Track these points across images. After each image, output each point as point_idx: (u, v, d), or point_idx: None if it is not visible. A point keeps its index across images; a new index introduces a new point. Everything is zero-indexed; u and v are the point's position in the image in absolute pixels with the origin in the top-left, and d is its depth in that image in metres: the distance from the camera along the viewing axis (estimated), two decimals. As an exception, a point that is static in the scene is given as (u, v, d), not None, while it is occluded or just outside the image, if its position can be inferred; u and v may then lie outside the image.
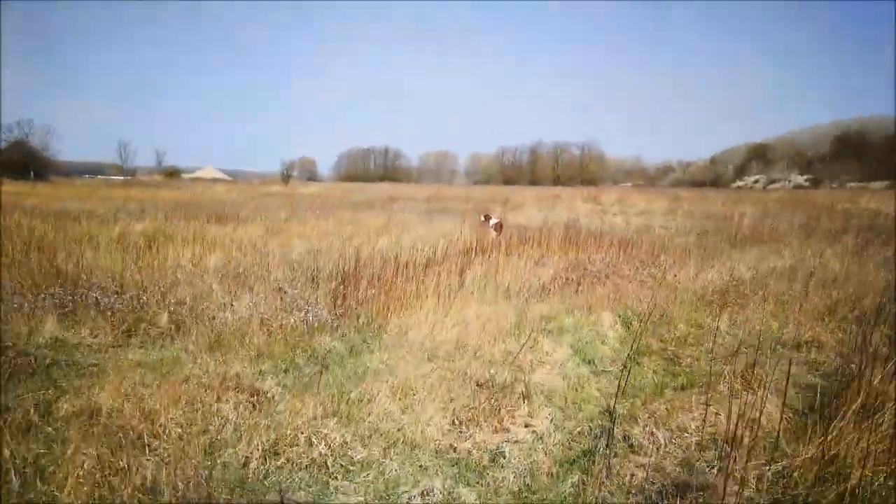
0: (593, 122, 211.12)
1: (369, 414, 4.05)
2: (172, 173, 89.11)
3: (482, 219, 14.65)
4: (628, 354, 4.95)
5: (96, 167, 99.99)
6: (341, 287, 6.75)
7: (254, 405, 4.08)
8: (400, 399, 4.24)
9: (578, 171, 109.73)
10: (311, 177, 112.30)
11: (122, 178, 78.43)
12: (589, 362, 5.41)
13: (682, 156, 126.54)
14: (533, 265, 8.64)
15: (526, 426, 4.03)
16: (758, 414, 3.41)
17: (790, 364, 3.71)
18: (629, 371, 4.76)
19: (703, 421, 3.91)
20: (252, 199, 30.57)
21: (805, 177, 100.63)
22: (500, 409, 4.13)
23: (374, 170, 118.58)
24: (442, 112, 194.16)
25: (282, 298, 6.48)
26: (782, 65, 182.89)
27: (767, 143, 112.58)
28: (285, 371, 4.96)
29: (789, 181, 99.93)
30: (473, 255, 9.90)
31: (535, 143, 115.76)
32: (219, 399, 4.06)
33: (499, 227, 13.96)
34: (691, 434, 3.93)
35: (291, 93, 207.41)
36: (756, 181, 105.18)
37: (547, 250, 9.57)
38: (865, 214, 19.74)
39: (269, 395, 4.24)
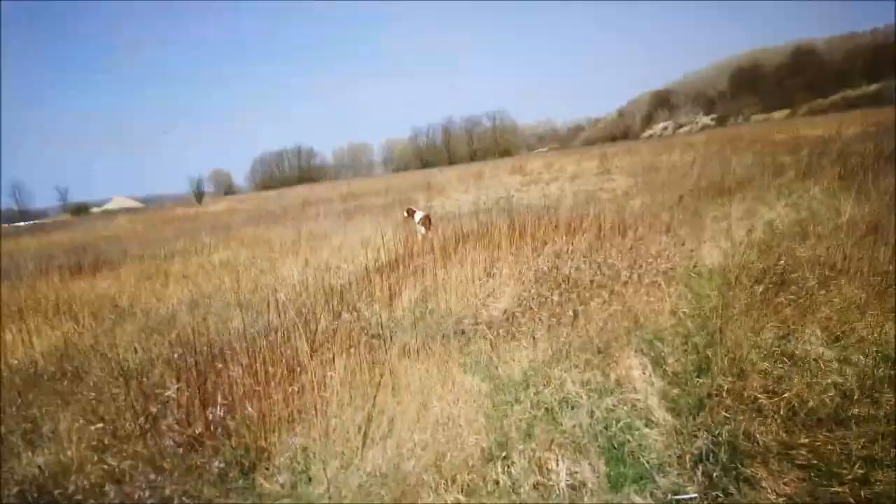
0: (499, 92, 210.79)
1: None
2: (80, 210, 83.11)
3: (405, 214, 12.48)
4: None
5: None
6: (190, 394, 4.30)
7: None
8: None
9: (493, 144, 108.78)
10: (228, 190, 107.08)
11: (24, 223, 71.95)
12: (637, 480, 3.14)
13: (589, 113, 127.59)
14: (483, 276, 6.50)
15: None
16: None
17: None
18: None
19: None
20: (152, 229, 27.28)
21: (710, 116, 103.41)
22: None
23: (289, 173, 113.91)
24: (349, 103, 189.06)
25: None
26: (671, 6, 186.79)
27: (669, 88, 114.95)
28: None
29: (697, 123, 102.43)
30: (402, 269, 7.74)
31: (446, 121, 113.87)
32: None
33: (426, 221, 11.82)
34: None
35: (195, 105, 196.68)
36: (665, 128, 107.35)
37: (495, 249, 7.47)
38: (807, 142, 18.62)
39: None
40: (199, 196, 69.76)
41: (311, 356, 4.39)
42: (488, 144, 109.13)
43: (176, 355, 4.20)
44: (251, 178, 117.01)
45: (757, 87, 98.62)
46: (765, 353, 4.04)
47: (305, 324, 5.02)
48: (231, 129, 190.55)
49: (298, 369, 4.11)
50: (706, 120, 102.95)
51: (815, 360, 3.92)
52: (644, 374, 3.99)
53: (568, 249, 6.47)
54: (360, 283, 7.47)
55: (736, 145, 22.77)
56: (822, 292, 4.64)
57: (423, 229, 11.62)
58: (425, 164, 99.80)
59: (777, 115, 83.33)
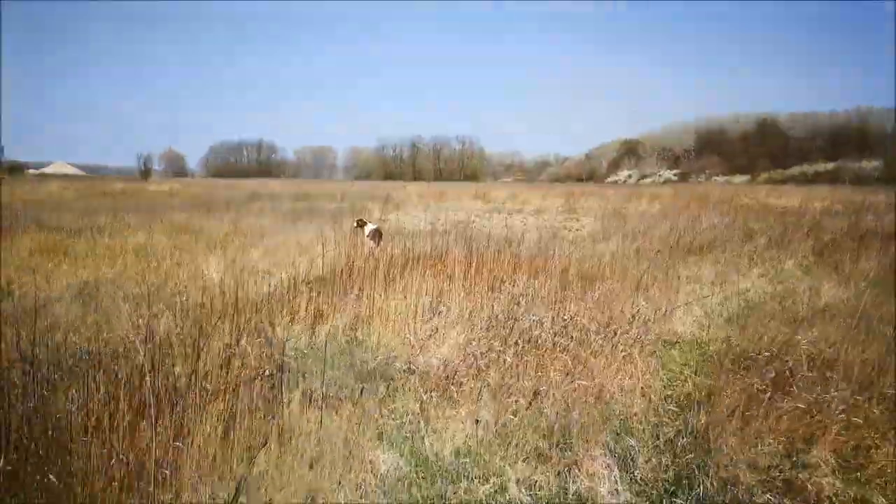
0: (471, 119, 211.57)
1: None
2: (14, 168, 78.69)
3: (355, 225, 11.40)
4: None
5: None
6: None
7: None
8: None
9: (459, 167, 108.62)
10: (179, 172, 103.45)
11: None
12: None
13: (557, 150, 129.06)
14: (427, 310, 5.49)
15: None
16: None
17: None
18: None
19: None
20: (81, 199, 25.33)
21: (673, 171, 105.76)
22: None
23: (247, 164, 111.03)
24: (319, 106, 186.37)
25: None
26: (649, 63, 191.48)
27: (638, 139, 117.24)
28: None
29: (660, 176, 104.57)
30: (337, 286, 6.68)
31: (415, 137, 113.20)
32: None
33: (376, 235, 10.78)
34: None
35: (165, 83, 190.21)
36: (629, 176, 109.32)
37: (447, 280, 6.49)
38: (773, 211, 18.36)
39: None
40: (144, 173, 66.76)
41: (185, 392, 3.30)
42: (454, 167, 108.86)
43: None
44: (205, 164, 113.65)
45: (721, 149, 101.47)
46: (765, 479, 3.14)
47: (193, 346, 3.93)
48: (191, 111, 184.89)
49: (153, 415, 2.99)
50: (669, 174, 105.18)
51: (829, 498, 3.04)
52: (609, 478, 3.03)
53: (529, 294, 5.51)
54: (284, 295, 6.37)
55: (702, 203, 22.50)
56: (828, 399, 3.77)
57: (371, 243, 10.58)
58: (388, 176, 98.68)
59: (737, 178, 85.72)
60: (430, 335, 4.84)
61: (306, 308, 5.92)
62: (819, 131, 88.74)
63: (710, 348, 5.38)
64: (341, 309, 5.93)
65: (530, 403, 3.51)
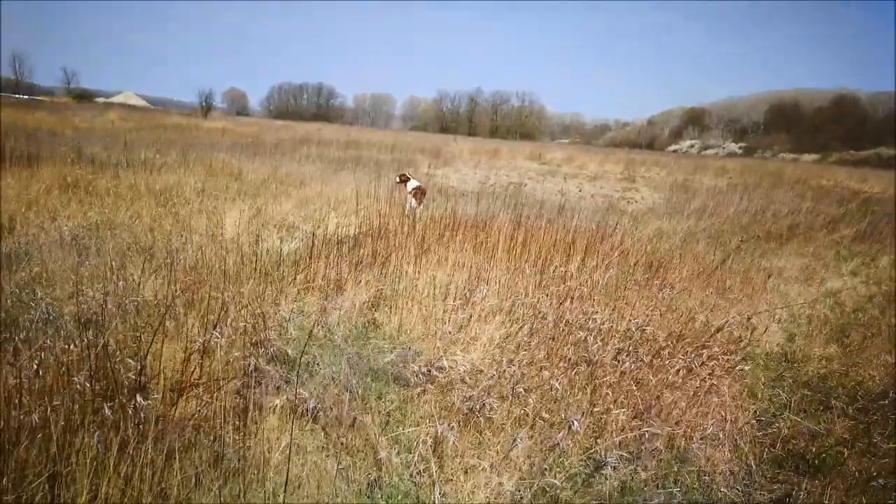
0: (533, 75, 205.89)
1: None
2: (82, 96, 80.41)
3: (397, 180, 10.55)
4: None
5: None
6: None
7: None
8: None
9: (517, 124, 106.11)
10: (241, 111, 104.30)
11: (21, 96, 69.47)
12: None
13: (618, 114, 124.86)
14: (461, 291, 4.61)
15: None
16: None
17: None
18: None
19: None
20: (134, 130, 25.13)
21: (739, 144, 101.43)
22: None
23: (306, 108, 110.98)
24: (381, 52, 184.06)
25: None
26: (716, 32, 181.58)
27: (704, 108, 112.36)
28: None
29: (723, 148, 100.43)
30: (366, 251, 5.88)
31: (474, 91, 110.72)
32: None
33: (419, 194, 9.90)
34: None
35: (230, 18, 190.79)
36: (691, 146, 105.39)
37: (488, 256, 5.60)
38: (855, 195, 16.64)
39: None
40: (205, 109, 66.97)
41: (131, 395, 2.55)
42: (512, 123, 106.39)
43: None
44: (266, 104, 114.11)
45: (792, 125, 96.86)
46: None
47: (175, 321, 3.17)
48: (257, 53, 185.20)
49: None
50: (734, 147, 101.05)
51: None
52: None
53: (585, 286, 4.55)
54: (304, 258, 5.60)
55: (775, 181, 20.79)
56: None
57: (413, 202, 9.73)
58: (444, 129, 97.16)
59: (806, 157, 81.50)
60: (461, 327, 3.97)
61: (324, 276, 5.13)
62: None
63: (808, 369, 4.37)
64: (365, 280, 5.12)
65: (574, 440, 2.63)
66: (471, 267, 5.30)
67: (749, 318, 4.41)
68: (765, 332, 4.70)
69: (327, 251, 5.59)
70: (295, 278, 5.05)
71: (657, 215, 11.41)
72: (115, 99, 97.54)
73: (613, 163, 26.43)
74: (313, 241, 5.59)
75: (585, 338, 3.37)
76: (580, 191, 15.80)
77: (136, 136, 20.71)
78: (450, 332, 3.89)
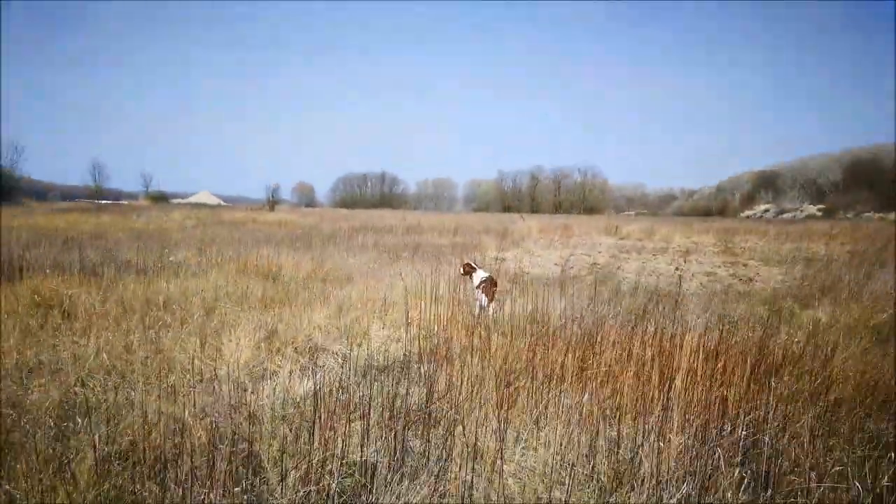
0: (594, 150, 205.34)
1: None
2: (159, 198, 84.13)
3: (461, 271, 8.48)
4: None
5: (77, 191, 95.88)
6: None
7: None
8: None
9: (580, 198, 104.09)
10: (309, 203, 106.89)
11: (102, 201, 73.10)
12: None
13: (682, 184, 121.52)
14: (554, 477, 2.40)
15: None
16: None
17: None
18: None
19: None
20: (191, 228, 24.39)
21: (818, 206, 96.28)
22: None
23: (370, 196, 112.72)
24: (441, 138, 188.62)
25: None
26: (783, 92, 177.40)
27: (775, 170, 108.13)
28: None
29: (801, 211, 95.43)
30: (415, 396, 3.77)
31: (535, 168, 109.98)
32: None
33: (489, 288, 7.76)
34: None
35: (298, 117, 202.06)
36: (766, 210, 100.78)
37: (610, 401, 3.40)
38: None
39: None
40: (272, 203, 68.06)
41: None
42: (575, 198, 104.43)
43: None
44: (332, 194, 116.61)
45: (873, 183, 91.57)
46: None
47: None
48: (324, 148, 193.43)
49: None
50: (812, 209, 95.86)
51: None
52: None
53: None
54: (322, 411, 3.49)
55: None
56: None
57: (483, 299, 7.61)
58: (507, 208, 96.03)
59: (893, 215, 75.96)
60: None
61: (345, 435, 3.00)
62: None
63: None
64: (412, 467, 2.95)
65: None
66: (570, 423, 3.06)
67: None
68: None
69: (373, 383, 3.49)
70: (295, 450, 2.94)
71: (796, 300, 8.87)
72: (192, 198, 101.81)
73: (699, 233, 23.74)
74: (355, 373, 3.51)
75: None
76: (677, 270, 13.34)
77: (185, 235, 19.66)
78: None
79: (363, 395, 3.55)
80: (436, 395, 3.82)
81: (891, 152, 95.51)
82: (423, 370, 4.46)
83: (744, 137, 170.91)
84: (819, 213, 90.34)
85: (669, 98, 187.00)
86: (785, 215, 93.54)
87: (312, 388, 3.90)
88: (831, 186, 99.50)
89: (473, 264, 8.35)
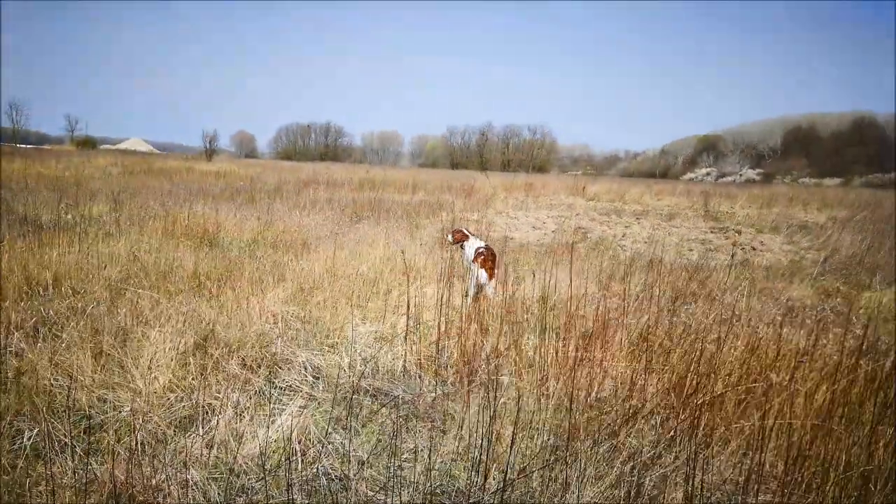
0: (542, 109, 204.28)
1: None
2: (85, 143, 77.99)
3: (449, 240, 6.76)
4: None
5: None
6: None
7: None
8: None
9: (528, 157, 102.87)
10: (250, 153, 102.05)
11: (21, 145, 67.00)
12: None
13: (627, 146, 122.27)
14: None
15: None
16: None
17: None
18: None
19: None
20: (118, 177, 21.66)
21: (757, 171, 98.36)
22: None
23: (314, 148, 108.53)
24: (389, 92, 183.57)
25: None
26: (727, 58, 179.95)
27: (718, 135, 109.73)
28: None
29: (741, 175, 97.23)
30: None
31: (484, 125, 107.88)
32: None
33: (488, 261, 6.08)
34: None
35: (237, 63, 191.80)
36: (707, 174, 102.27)
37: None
38: None
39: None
40: (209, 153, 63.85)
41: None
42: (523, 157, 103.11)
43: None
44: (274, 145, 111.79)
45: (810, 150, 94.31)
46: None
47: None
48: (268, 97, 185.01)
49: None
50: (752, 174, 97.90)
51: None
52: None
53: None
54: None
55: (874, 212, 16.97)
56: None
57: (482, 275, 5.95)
58: (455, 165, 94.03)
59: (828, 181, 78.18)
60: None
61: None
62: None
63: None
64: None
65: None
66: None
67: None
68: None
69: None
70: None
71: (841, 278, 7.61)
72: (122, 145, 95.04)
73: (667, 195, 22.66)
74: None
75: None
76: (668, 235, 12.03)
77: (106, 185, 17.08)
78: None
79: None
80: (484, 467, 2.19)
81: (827, 120, 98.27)
82: (444, 407, 2.82)
83: (687, 102, 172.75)
84: (757, 177, 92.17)
85: (620, 62, 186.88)
86: (725, 178, 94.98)
87: (276, 442, 2.21)
88: (770, 152, 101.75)
89: (466, 231, 6.65)
